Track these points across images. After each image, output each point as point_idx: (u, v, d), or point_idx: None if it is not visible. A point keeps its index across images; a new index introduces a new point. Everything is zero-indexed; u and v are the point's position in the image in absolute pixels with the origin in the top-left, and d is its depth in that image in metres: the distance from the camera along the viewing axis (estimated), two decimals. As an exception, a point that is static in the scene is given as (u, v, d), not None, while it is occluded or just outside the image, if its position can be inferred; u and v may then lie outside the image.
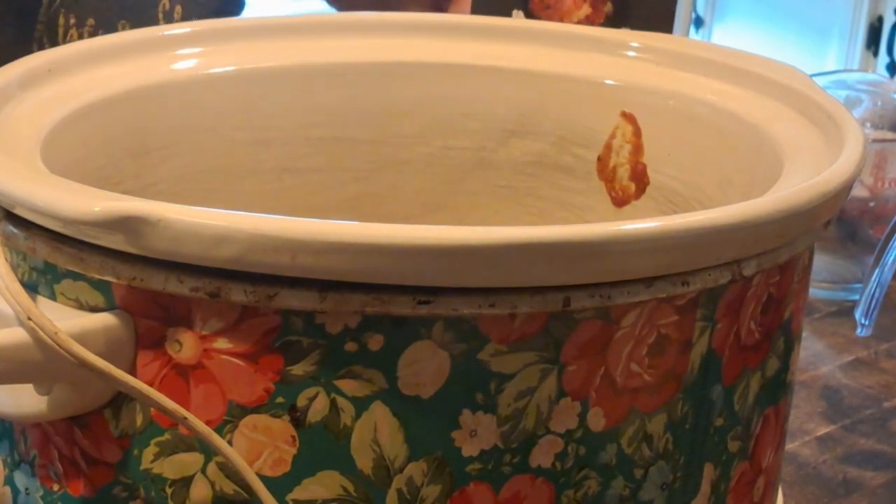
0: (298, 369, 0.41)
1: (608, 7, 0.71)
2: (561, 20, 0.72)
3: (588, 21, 0.71)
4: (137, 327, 0.42)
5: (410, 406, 0.42)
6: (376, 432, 0.42)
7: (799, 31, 2.55)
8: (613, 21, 0.72)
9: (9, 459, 0.48)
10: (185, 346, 0.42)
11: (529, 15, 0.72)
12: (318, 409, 0.42)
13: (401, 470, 0.42)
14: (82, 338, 0.41)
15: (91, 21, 0.61)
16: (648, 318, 0.43)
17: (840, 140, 0.51)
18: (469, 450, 0.43)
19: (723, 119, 0.58)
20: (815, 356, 0.85)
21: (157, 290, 0.41)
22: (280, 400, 0.42)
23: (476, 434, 0.42)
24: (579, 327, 0.42)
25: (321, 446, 0.42)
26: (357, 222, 0.39)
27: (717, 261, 0.43)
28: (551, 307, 0.41)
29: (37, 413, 0.44)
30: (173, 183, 0.61)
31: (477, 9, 0.73)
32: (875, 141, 0.94)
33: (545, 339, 0.42)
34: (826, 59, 2.51)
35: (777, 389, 0.50)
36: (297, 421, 0.42)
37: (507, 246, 0.39)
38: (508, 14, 0.73)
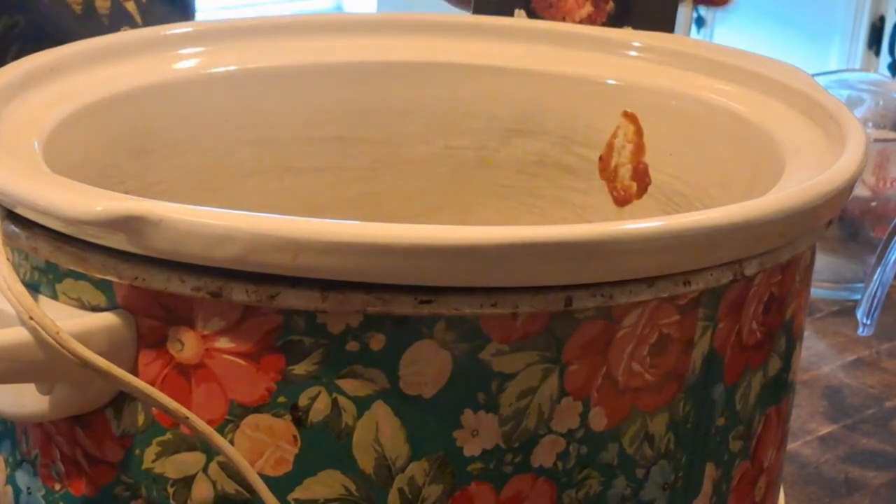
0: (300, 369, 0.41)
1: (610, 6, 0.71)
2: (563, 19, 0.72)
3: (590, 20, 0.71)
4: (139, 327, 0.42)
5: (412, 406, 0.42)
6: (378, 432, 0.42)
7: (800, 30, 2.55)
8: (615, 20, 0.72)
9: (10, 459, 0.48)
10: (187, 346, 0.42)
11: (531, 14, 0.72)
12: (319, 408, 0.42)
13: (402, 469, 0.42)
14: (84, 337, 0.41)
15: None
16: (650, 318, 0.43)
17: (842, 140, 0.51)
18: (471, 449, 0.43)
19: (725, 119, 0.58)
20: (817, 356, 0.85)
21: (159, 289, 0.41)
22: (282, 399, 0.42)
23: (478, 434, 0.42)
24: (581, 327, 0.42)
25: (323, 446, 0.42)
26: (358, 222, 0.39)
27: (719, 260, 0.43)
28: (553, 307, 0.41)
29: (38, 412, 0.44)
30: (175, 182, 0.61)
31: (479, 8, 0.73)
32: (877, 140, 0.94)
33: (547, 339, 0.42)
34: (828, 58, 2.51)
35: (779, 389, 0.50)
36: (299, 420, 0.42)
37: (509, 246, 0.39)
38: (511, 13, 0.73)
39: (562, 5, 0.71)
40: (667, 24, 0.72)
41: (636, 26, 0.70)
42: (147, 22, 0.91)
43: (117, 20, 0.89)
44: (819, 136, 0.53)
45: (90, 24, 0.87)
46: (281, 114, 0.64)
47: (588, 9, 0.71)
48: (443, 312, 0.41)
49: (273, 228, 0.39)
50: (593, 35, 0.65)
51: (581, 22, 0.71)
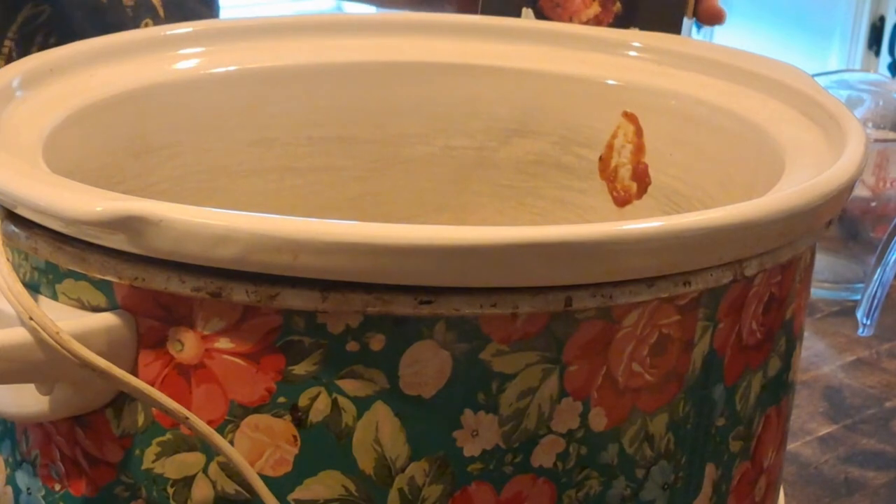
0: (300, 369, 0.41)
1: (617, 6, 0.71)
2: (570, 19, 0.71)
3: (597, 20, 0.71)
4: (139, 327, 0.42)
5: (412, 406, 0.42)
6: (378, 432, 0.42)
7: (801, 31, 2.55)
8: (623, 21, 0.72)
9: (10, 459, 0.48)
10: (187, 346, 0.42)
11: (539, 14, 0.72)
12: (319, 408, 0.42)
13: (402, 470, 0.42)
14: (84, 338, 0.41)
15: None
16: (650, 318, 0.43)
17: (842, 140, 0.51)
18: (471, 449, 0.43)
19: (724, 119, 0.58)
20: (817, 356, 0.85)
21: (159, 289, 0.41)
22: (282, 400, 0.42)
23: (477, 434, 0.42)
24: (581, 327, 0.42)
25: (323, 446, 0.42)
26: (359, 222, 0.39)
27: (719, 260, 0.43)
28: (553, 307, 0.41)
29: (38, 413, 0.44)
30: (175, 182, 0.61)
31: (486, 7, 0.73)
32: (877, 141, 0.94)
33: (547, 339, 0.42)
34: (828, 58, 2.51)
35: (779, 389, 0.50)
36: (299, 421, 0.42)
37: (509, 246, 0.39)
38: (518, 13, 0.72)
39: (569, 5, 0.71)
40: (674, 26, 0.72)
41: (643, 27, 0.70)
42: (169, 15, 0.91)
43: (141, 12, 0.89)
44: (819, 136, 0.53)
45: (114, 15, 0.87)
46: (281, 114, 0.64)
47: (595, 9, 0.71)
48: (443, 313, 0.41)
49: (273, 229, 0.39)
50: (593, 35, 0.65)
51: (588, 22, 0.71)
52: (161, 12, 0.91)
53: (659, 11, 0.71)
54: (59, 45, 0.58)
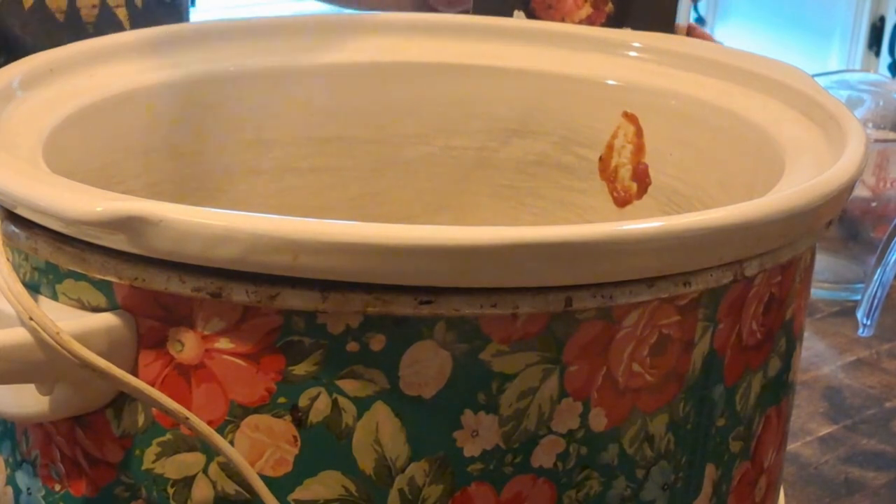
0: (300, 369, 0.41)
1: (609, 7, 0.71)
2: (562, 20, 0.72)
3: (589, 21, 0.71)
4: (139, 327, 0.42)
5: (412, 406, 0.42)
6: (378, 432, 0.42)
7: (801, 31, 2.55)
8: (615, 21, 0.72)
9: (11, 459, 0.48)
10: (187, 346, 0.42)
11: (531, 15, 0.72)
12: (319, 409, 0.42)
13: (402, 470, 0.42)
14: (84, 338, 0.41)
15: None
16: (650, 319, 0.43)
17: (842, 140, 0.51)
18: (471, 450, 0.43)
19: (724, 119, 0.58)
20: (817, 356, 0.85)
21: (159, 290, 0.41)
22: (282, 400, 0.42)
23: (478, 434, 0.42)
24: (581, 327, 0.42)
25: (323, 446, 0.42)
26: (359, 222, 0.39)
27: (719, 261, 0.43)
28: (553, 307, 0.41)
29: (38, 413, 0.44)
30: (175, 182, 0.61)
31: (478, 9, 0.73)
32: (877, 141, 0.94)
33: (547, 340, 0.42)
34: (828, 59, 2.51)
35: (779, 389, 0.50)
36: (299, 421, 0.42)
37: (509, 246, 0.39)
38: (510, 14, 0.73)
39: (561, 6, 0.72)
40: (666, 26, 0.72)
41: (635, 27, 0.70)
42: (136, 29, 0.90)
43: (103, 28, 0.87)
44: (819, 136, 0.53)
45: (72, 32, 0.85)
46: (281, 114, 0.64)
47: (587, 10, 0.71)
48: (443, 313, 0.41)
49: (273, 229, 0.39)
50: (593, 35, 0.65)
51: (580, 23, 0.71)
52: (127, 26, 0.89)
53: (651, 12, 0.72)
54: (8, 63, 0.57)
